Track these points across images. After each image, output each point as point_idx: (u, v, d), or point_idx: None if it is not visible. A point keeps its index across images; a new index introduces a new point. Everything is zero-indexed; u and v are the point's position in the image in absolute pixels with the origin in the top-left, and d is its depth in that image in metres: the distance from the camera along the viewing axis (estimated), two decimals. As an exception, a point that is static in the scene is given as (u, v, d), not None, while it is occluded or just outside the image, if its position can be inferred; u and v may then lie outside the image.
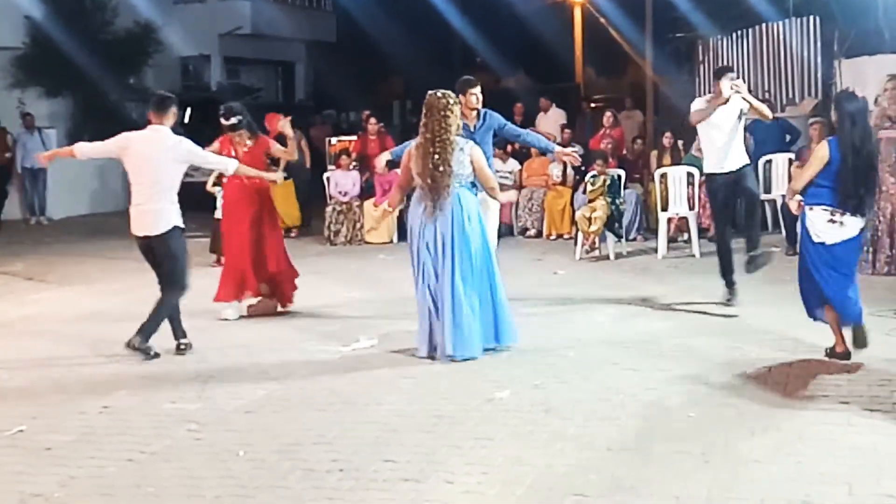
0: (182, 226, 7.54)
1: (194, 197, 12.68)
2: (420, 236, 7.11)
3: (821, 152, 6.67)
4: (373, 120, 15.08)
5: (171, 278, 7.48)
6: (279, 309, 8.94)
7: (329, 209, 13.87)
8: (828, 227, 6.65)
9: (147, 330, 7.35)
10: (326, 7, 29.83)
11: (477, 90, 8.35)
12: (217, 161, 8.05)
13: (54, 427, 5.87)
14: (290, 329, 8.33)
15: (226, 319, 8.67)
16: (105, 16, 20.54)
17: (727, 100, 8.52)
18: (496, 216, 8.67)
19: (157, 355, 7.36)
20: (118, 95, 20.19)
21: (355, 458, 5.18)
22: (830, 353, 6.82)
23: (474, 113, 8.36)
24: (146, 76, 21.87)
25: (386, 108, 26.73)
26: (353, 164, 14.37)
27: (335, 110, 24.85)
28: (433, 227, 7.06)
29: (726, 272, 8.83)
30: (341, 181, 14.13)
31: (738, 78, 8.93)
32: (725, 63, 15.15)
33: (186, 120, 19.29)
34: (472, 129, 8.31)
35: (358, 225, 13.78)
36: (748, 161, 8.86)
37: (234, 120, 8.74)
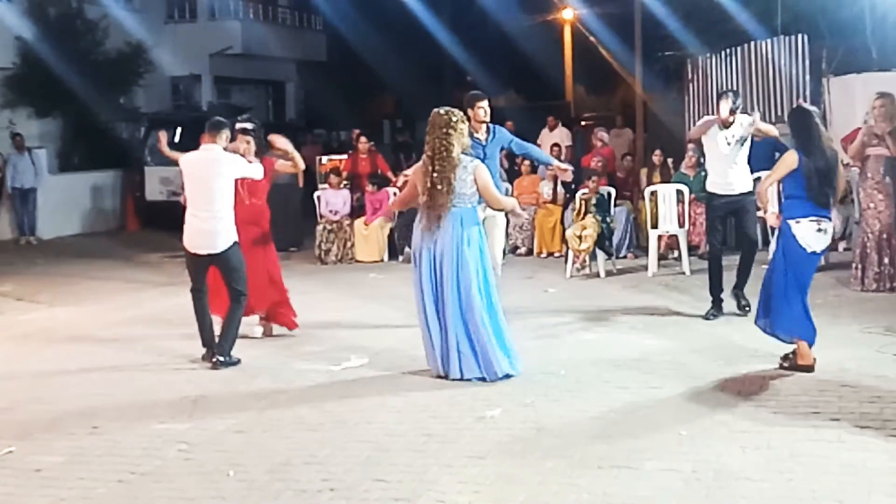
0: (237, 239, 7.84)
1: (176, 215, 12.75)
2: (420, 256, 7.05)
3: (789, 159, 6.95)
4: (363, 139, 15.13)
5: (237, 289, 7.86)
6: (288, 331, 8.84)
7: (320, 228, 13.87)
8: (817, 236, 6.90)
9: (225, 346, 7.77)
10: (316, 26, 29.92)
11: (484, 104, 8.46)
12: (252, 170, 8.09)
13: (44, 448, 5.84)
14: (281, 348, 8.31)
15: (253, 337, 8.60)
16: (96, 36, 20.61)
17: (725, 121, 8.59)
18: (503, 233, 8.74)
19: (238, 361, 7.76)
20: (109, 115, 20.22)
21: (347, 477, 5.17)
22: (791, 364, 6.94)
23: (483, 127, 8.47)
24: (137, 96, 21.94)
25: (376, 127, 26.81)
26: (344, 182, 14.39)
27: (326, 129, 24.90)
28: (431, 246, 6.99)
29: (714, 288, 8.97)
30: (332, 200, 14.14)
31: (753, 111, 8.91)
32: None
33: (177, 139, 19.30)
34: (483, 143, 8.44)
35: (349, 244, 13.78)
36: (751, 188, 8.86)
37: (249, 125, 8.73)
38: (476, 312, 6.93)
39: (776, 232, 7.45)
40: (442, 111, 7.05)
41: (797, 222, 6.90)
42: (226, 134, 7.94)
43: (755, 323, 7.26)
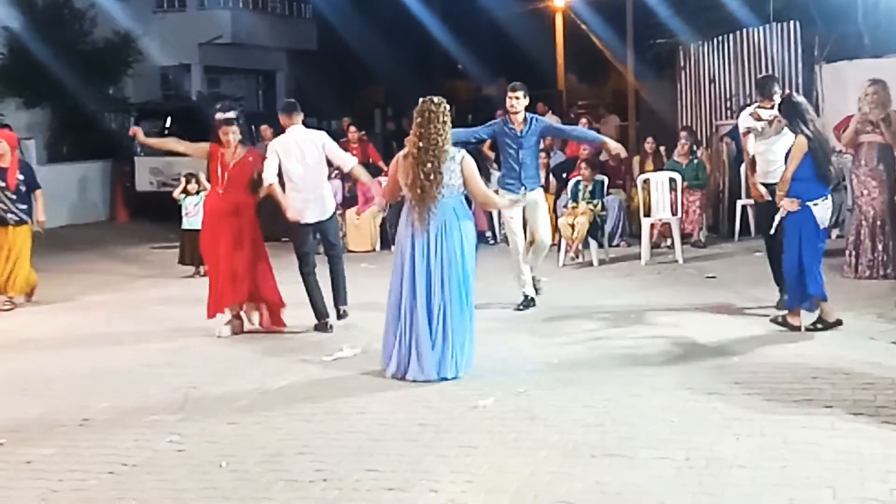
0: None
1: (166, 206, 12.69)
2: (409, 251, 6.81)
3: (801, 143, 7.53)
4: (352, 128, 15.08)
5: (339, 249, 8.91)
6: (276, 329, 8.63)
7: (311, 218, 13.79)
8: (827, 213, 7.68)
9: (343, 298, 8.70)
10: (306, 15, 29.84)
11: (517, 94, 8.61)
12: (340, 156, 8.72)
13: (34, 440, 5.81)
14: (273, 339, 8.29)
15: (220, 336, 8.38)
16: (84, 26, 20.49)
17: (755, 113, 8.49)
18: (546, 213, 9.03)
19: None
20: (97, 106, 20.13)
21: (339, 467, 5.15)
22: (825, 324, 7.63)
23: (520, 117, 8.51)
24: (126, 86, 21.82)
25: (367, 116, 26.73)
26: (335, 172, 14.31)
27: (316, 119, 24.81)
28: (424, 239, 6.78)
29: (778, 279, 8.60)
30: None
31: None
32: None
33: (166, 130, 19.22)
34: (519, 134, 8.51)
35: (340, 233, 13.72)
36: None
37: (231, 114, 8.58)
38: (467, 308, 6.82)
39: (783, 216, 7.75)
40: (435, 100, 6.86)
41: (815, 204, 7.53)
42: (301, 114, 8.53)
43: (790, 307, 7.81)
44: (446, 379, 6.70)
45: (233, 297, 8.47)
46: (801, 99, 7.97)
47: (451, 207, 6.84)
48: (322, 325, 8.46)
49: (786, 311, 7.89)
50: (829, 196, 7.70)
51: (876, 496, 4.52)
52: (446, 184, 6.80)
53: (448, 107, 6.92)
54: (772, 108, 8.37)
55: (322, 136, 8.63)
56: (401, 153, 7.00)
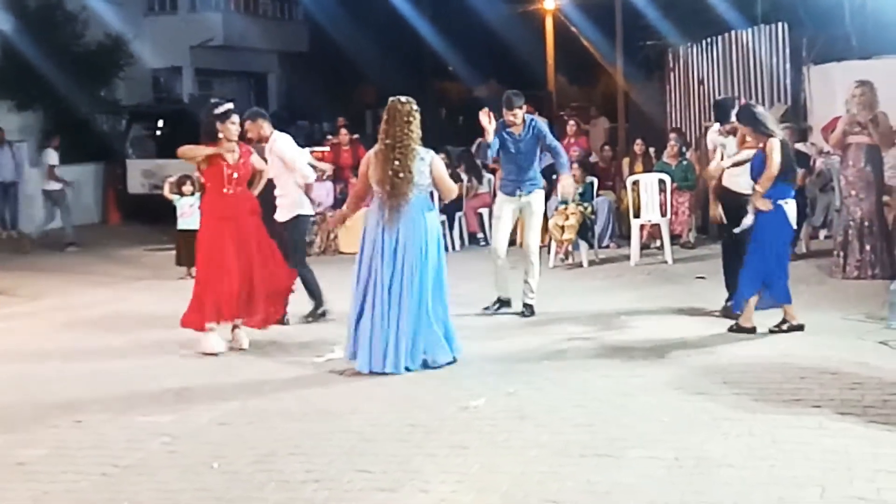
0: None
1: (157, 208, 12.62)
2: (376, 246, 6.99)
3: (774, 144, 7.57)
4: (344, 130, 15.11)
5: None
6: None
7: (302, 220, 13.80)
8: (794, 212, 7.68)
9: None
10: (297, 18, 29.84)
11: (515, 111, 8.75)
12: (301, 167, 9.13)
13: (27, 441, 5.81)
14: (264, 340, 8.28)
15: (213, 354, 7.81)
16: (76, 28, 20.50)
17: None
18: (540, 220, 8.99)
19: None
20: (89, 108, 20.11)
21: (330, 468, 5.17)
22: (790, 326, 7.63)
23: (519, 122, 8.63)
24: (117, 89, 21.82)
25: (358, 117, 26.75)
26: (328, 175, 14.33)
27: (308, 121, 24.84)
28: (392, 236, 6.96)
29: (731, 283, 8.46)
30: (315, 191, 14.05)
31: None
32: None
33: (158, 132, 19.24)
34: (517, 138, 8.61)
35: (332, 235, 13.75)
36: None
37: (230, 105, 8.03)
38: (431, 302, 6.97)
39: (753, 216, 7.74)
40: (402, 100, 7.06)
41: (787, 203, 7.57)
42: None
43: (738, 308, 7.77)
44: (431, 368, 6.94)
45: (249, 308, 8.03)
46: (759, 108, 8.11)
47: (417, 205, 7.01)
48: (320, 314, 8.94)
49: (737, 316, 7.80)
50: (794, 198, 7.73)
51: (864, 495, 4.55)
52: (416, 183, 6.98)
53: (416, 107, 7.06)
54: (731, 130, 8.34)
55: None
56: (371, 150, 7.18)
